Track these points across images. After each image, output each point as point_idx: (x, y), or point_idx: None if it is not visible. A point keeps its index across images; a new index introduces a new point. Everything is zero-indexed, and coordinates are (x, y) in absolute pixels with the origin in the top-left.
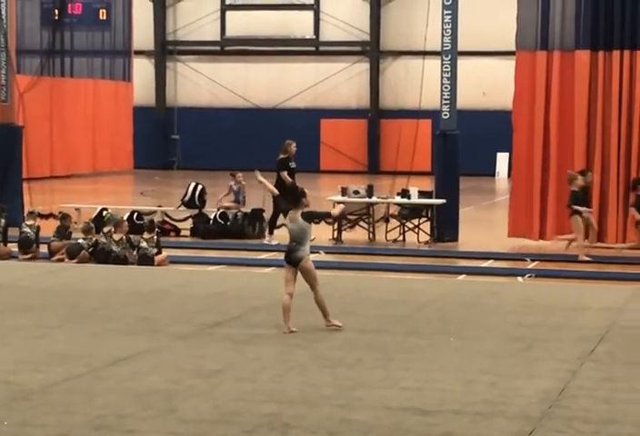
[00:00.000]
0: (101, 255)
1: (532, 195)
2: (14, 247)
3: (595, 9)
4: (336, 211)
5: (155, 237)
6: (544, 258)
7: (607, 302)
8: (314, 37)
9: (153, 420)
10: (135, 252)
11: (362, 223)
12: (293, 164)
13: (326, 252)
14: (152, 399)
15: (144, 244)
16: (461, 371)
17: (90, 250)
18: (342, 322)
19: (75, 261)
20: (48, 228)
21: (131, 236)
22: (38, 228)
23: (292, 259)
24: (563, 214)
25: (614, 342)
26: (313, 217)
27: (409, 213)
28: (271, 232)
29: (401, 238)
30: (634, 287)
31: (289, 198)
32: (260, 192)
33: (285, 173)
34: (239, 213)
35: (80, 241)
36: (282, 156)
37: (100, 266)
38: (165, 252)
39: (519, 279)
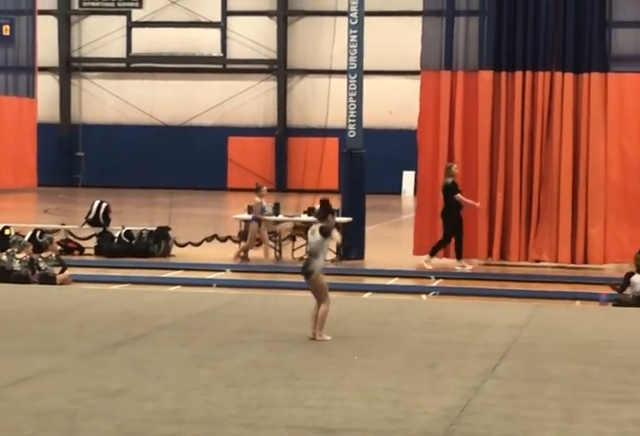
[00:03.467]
0: (1, 274)
1: (437, 213)
2: None
3: (497, 30)
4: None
5: (54, 255)
6: (448, 276)
7: (509, 319)
8: (221, 55)
9: None
10: (37, 272)
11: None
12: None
13: (232, 271)
14: (53, 419)
15: (42, 264)
16: (365, 389)
17: None
18: (247, 340)
19: None
20: None
21: (32, 256)
22: None
23: (305, 271)
24: (467, 232)
25: (515, 359)
26: (329, 232)
27: None
28: (460, 257)
29: (307, 256)
30: (535, 304)
31: (318, 211)
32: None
33: (460, 196)
34: (144, 232)
35: None
36: (451, 180)
37: (1, 285)
38: (67, 271)
39: (424, 296)
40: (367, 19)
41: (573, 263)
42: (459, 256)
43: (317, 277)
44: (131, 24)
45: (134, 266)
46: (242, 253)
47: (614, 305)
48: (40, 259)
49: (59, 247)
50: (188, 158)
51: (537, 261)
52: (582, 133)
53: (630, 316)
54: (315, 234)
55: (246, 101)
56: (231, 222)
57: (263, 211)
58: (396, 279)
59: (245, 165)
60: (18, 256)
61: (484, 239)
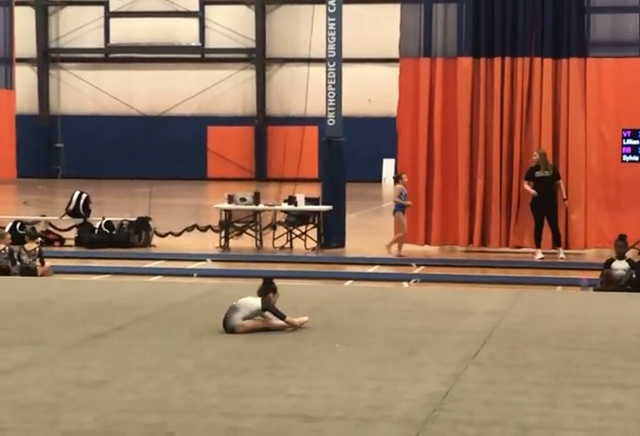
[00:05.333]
0: None
1: (417, 201)
2: None
3: (476, 17)
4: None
5: (38, 249)
6: (429, 263)
7: (491, 305)
8: (199, 44)
9: (34, 433)
10: (17, 264)
11: (249, 231)
12: (539, 173)
13: (213, 260)
14: (33, 411)
15: (25, 257)
16: (346, 377)
17: None
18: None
19: None
20: None
21: (13, 248)
22: None
23: (226, 328)
24: (448, 219)
25: (497, 345)
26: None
27: (296, 219)
28: (539, 245)
29: (288, 245)
30: (516, 290)
31: (260, 288)
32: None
33: (524, 182)
34: (125, 222)
35: None
36: (530, 166)
37: None
38: (48, 263)
39: (405, 284)
40: (345, 7)
41: (554, 249)
42: (537, 244)
43: (242, 328)
44: (108, 15)
45: (114, 257)
46: (393, 245)
47: (594, 290)
48: (23, 251)
49: (39, 238)
50: (167, 148)
51: (518, 247)
52: (561, 119)
53: (611, 301)
54: (255, 303)
55: (225, 90)
56: (212, 212)
57: (404, 198)
58: (377, 267)
59: (224, 155)
60: None
61: (464, 226)
